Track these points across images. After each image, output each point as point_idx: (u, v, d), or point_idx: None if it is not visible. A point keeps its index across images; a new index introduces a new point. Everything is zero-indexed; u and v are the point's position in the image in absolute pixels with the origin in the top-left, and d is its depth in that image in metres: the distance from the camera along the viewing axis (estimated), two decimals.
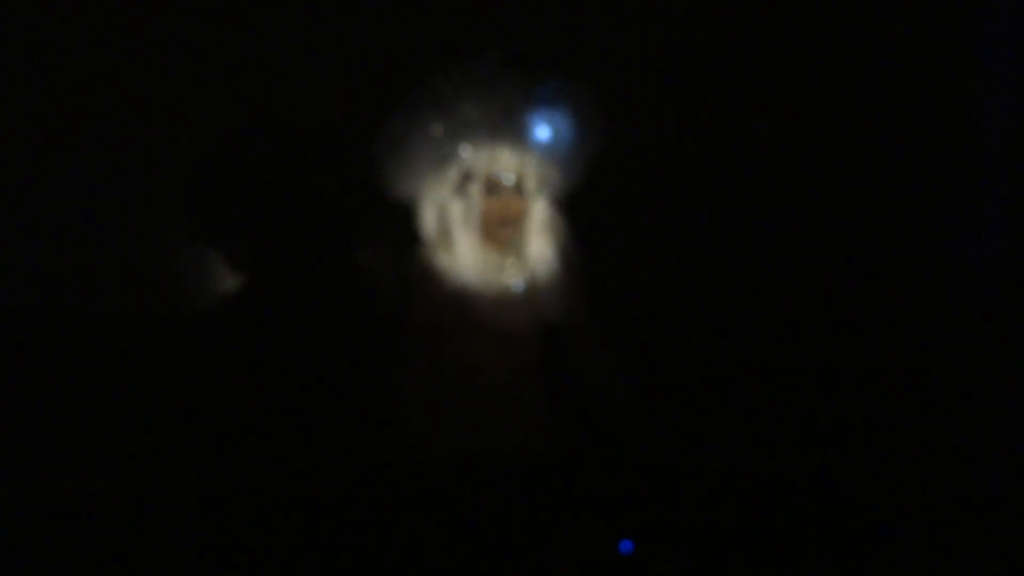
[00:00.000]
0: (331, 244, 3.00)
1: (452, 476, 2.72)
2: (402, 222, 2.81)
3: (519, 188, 2.77)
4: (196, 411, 2.95)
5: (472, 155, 2.72)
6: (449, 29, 3.00)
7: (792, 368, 3.18)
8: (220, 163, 2.97)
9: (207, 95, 2.94)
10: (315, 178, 2.99)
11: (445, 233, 2.77)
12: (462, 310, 2.73)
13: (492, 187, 2.74)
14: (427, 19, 3.02)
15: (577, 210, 2.84)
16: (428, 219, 2.80)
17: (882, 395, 3.13)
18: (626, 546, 2.82)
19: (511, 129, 2.72)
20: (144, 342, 3.01)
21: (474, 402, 2.75)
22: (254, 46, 2.95)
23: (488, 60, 2.70)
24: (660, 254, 3.20)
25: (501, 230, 2.77)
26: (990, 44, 3.16)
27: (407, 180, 2.75)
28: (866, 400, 3.12)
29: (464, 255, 2.74)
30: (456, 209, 2.75)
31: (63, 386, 2.96)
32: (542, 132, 2.73)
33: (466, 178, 2.75)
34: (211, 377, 2.96)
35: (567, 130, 2.75)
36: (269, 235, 2.95)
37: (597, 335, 2.87)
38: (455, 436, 2.73)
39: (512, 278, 2.80)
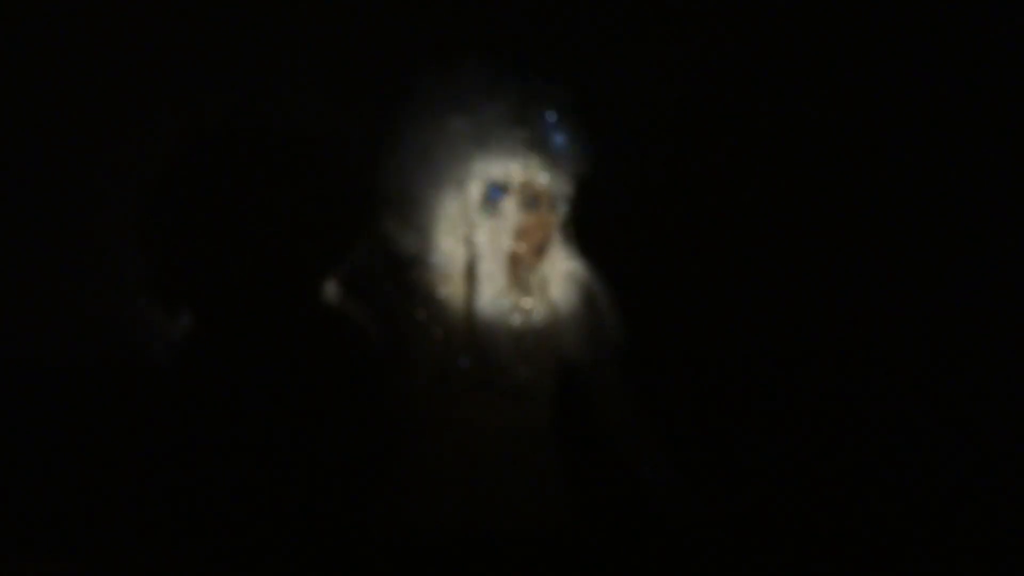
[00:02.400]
0: (318, 277, 2.75)
1: (453, 559, 2.47)
2: (409, 245, 2.56)
3: (551, 203, 2.53)
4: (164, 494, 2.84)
5: (502, 164, 2.49)
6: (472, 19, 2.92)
7: (840, 429, 3.12)
8: (193, 182, 2.87)
9: (178, 106, 2.88)
10: (301, 193, 2.87)
11: (457, 261, 2.52)
12: (473, 354, 2.48)
13: (529, 200, 2.50)
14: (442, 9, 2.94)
15: (603, 234, 2.61)
16: (436, 244, 2.53)
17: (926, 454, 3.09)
18: None
19: (539, 134, 2.50)
20: (106, 388, 2.90)
21: (480, 469, 2.52)
22: (224, 50, 2.91)
23: (519, 54, 2.56)
24: (701, 282, 3.10)
25: (536, 256, 2.53)
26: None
27: (418, 198, 2.51)
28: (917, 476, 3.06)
29: (484, 287, 2.49)
30: (483, 231, 2.50)
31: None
32: (559, 139, 2.51)
33: (496, 192, 2.49)
34: (181, 440, 2.85)
35: (583, 137, 2.54)
36: (247, 264, 2.84)
37: (628, 391, 2.64)
38: (458, 511, 2.49)
39: (528, 315, 2.55)
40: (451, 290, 2.51)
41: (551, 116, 2.49)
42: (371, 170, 2.50)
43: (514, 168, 2.48)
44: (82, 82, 2.89)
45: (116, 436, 2.86)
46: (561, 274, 2.58)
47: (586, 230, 2.61)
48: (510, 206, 2.48)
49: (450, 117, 2.47)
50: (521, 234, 2.49)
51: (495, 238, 2.48)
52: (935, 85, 3.17)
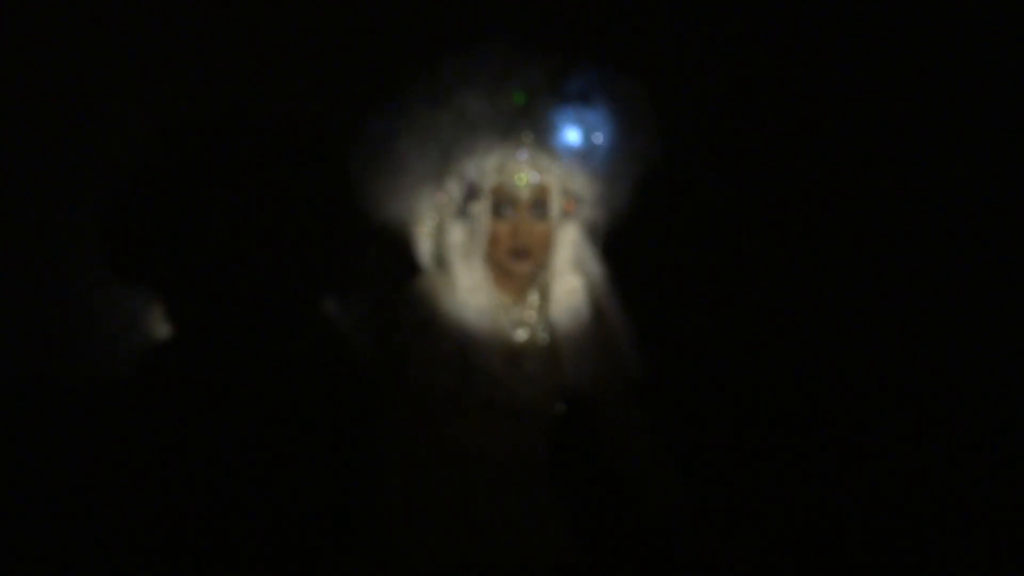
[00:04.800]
0: (295, 285, 2.76)
1: None
2: (385, 254, 2.47)
3: (540, 207, 2.36)
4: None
5: (477, 164, 2.34)
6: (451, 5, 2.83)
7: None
8: (160, 178, 2.83)
9: (156, 105, 2.85)
10: (277, 196, 2.79)
11: (442, 268, 2.39)
12: (462, 374, 2.34)
13: (503, 205, 2.34)
14: None
15: (616, 240, 2.46)
16: (420, 249, 2.41)
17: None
18: None
19: (528, 130, 2.34)
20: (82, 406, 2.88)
21: (474, 496, 2.39)
22: (194, 35, 2.86)
23: (499, 43, 2.35)
24: (723, 294, 3.03)
25: (515, 263, 2.36)
26: None
27: (393, 197, 2.37)
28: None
29: (466, 298, 2.34)
30: (456, 235, 2.36)
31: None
32: (571, 135, 2.34)
33: (470, 193, 2.35)
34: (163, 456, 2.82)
35: (603, 133, 2.36)
36: (217, 271, 2.77)
37: (640, 413, 2.50)
38: (449, 545, 2.38)
39: (528, 331, 2.43)
40: (436, 300, 2.38)
41: (552, 114, 2.35)
42: (349, 168, 2.41)
43: (489, 169, 2.34)
44: (64, 80, 2.89)
45: (94, 447, 2.83)
46: (566, 289, 2.44)
47: (594, 241, 2.48)
48: (482, 210, 2.35)
49: (431, 112, 2.34)
50: (494, 241, 2.35)
51: (470, 244, 2.36)
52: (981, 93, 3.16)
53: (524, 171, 2.35)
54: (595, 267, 2.45)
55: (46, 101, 2.89)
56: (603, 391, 2.47)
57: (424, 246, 2.41)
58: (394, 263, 2.46)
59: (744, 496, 3.02)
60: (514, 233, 2.34)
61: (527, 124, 2.33)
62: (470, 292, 2.35)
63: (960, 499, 3.05)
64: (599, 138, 2.35)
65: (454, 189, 2.37)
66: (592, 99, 2.36)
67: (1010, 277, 3.15)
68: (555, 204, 2.38)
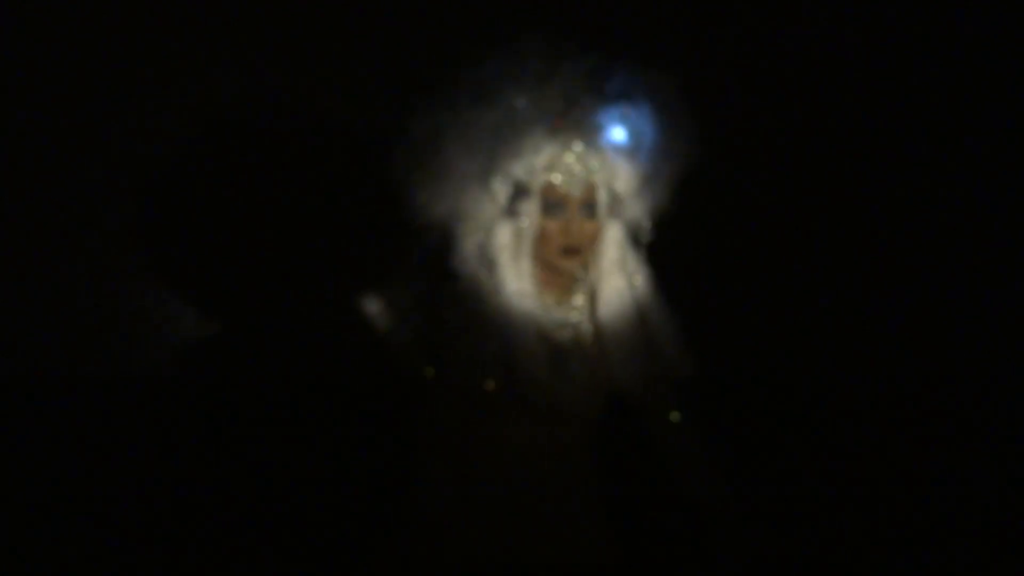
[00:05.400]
0: (339, 283, 2.72)
1: None
2: (429, 253, 2.44)
3: (589, 206, 2.35)
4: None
5: (526, 163, 2.32)
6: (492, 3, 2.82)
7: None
8: (203, 177, 2.81)
9: (190, 90, 2.83)
10: (321, 195, 2.75)
11: (487, 267, 2.37)
12: (505, 374, 2.33)
13: (553, 204, 2.32)
14: None
15: (663, 238, 2.45)
16: (464, 249, 2.40)
17: None
18: None
19: (576, 128, 2.32)
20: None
21: (517, 497, 2.37)
22: (240, 32, 2.84)
23: (540, 42, 2.33)
24: (771, 295, 2.99)
25: (565, 261, 2.35)
26: None
27: (439, 196, 2.36)
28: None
29: (512, 297, 2.34)
30: (504, 234, 2.36)
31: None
32: (616, 133, 2.33)
33: (519, 193, 2.34)
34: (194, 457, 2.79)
35: (647, 131, 2.35)
36: (261, 270, 2.75)
37: (684, 411, 2.48)
38: (492, 544, 2.36)
39: (572, 331, 2.41)
40: (480, 299, 2.37)
41: (602, 114, 2.33)
42: (394, 167, 2.39)
43: (538, 169, 2.33)
44: (86, 81, 2.89)
45: (136, 443, 2.83)
46: (614, 290, 2.43)
47: (641, 240, 2.48)
48: (531, 209, 2.34)
49: (476, 111, 2.33)
50: (543, 239, 2.34)
51: (517, 243, 2.35)
52: None
53: (575, 170, 2.34)
54: (638, 266, 2.44)
55: (83, 101, 2.91)
56: (649, 391, 2.44)
57: (469, 245, 2.39)
58: (438, 262, 2.44)
59: (788, 496, 2.98)
60: (565, 231, 2.34)
61: (574, 123, 2.31)
62: (516, 291, 2.34)
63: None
64: (644, 136, 2.33)
65: (500, 188, 2.36)
66: (635, 97, 2.33)
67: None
68: (603, 202, 2.37)
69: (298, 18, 2.88)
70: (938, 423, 3.13)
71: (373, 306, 2.65)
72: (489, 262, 2.37)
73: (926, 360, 3.15)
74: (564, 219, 2.34)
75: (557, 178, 2.33)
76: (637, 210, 2.42)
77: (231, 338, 2.80)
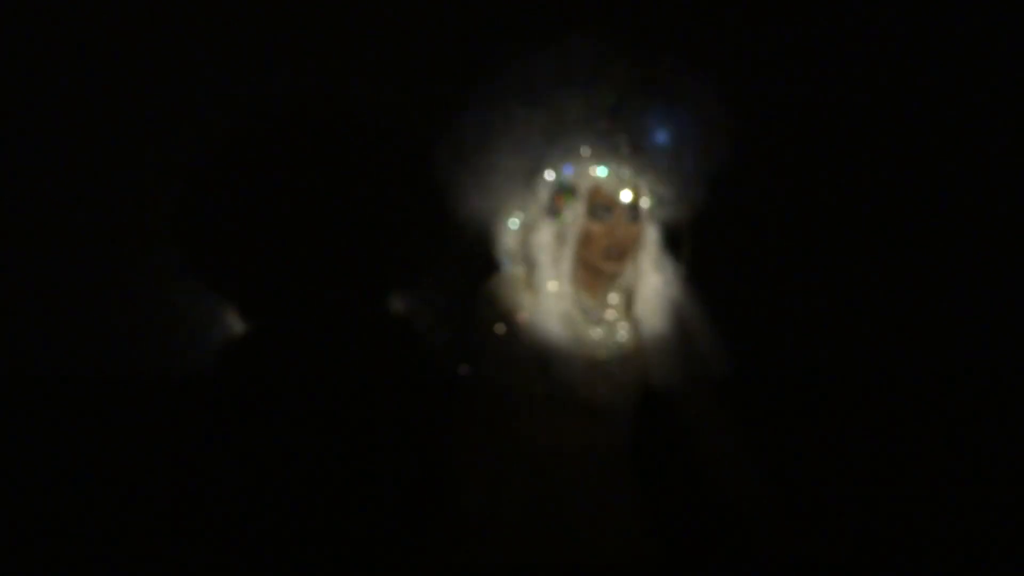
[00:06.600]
0: (376, 282, 2.75)
1: None
2: (468, 251, 2.45)
3: (635, 209, 2.36)
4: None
5: (574, 165, 2.32)
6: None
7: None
8: (243, 176, 2.83)
9: (219, 92, 2.85)
10: (361, 194, 2.75)
11: (526, 267, 2.38)
12: (545, 374, 2.33)
13: (600, 206, 2.33)
14: None
15: (702, 238, 2.45)
16: (503, 248, 2.41)
17: None
18: None
19: (624, 131, 2.32)
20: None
21: (553, 497, 2.39)
22: (288, 30, 2.85)
23: (587, 42, 2.33)
24: (813, 303, 2.98)
25: (609, 264, 2.36)
26: None
27: (481, 195, 2.37)
28: None
29: (550, 297, 2.33)
30: (546, 234, 2.35)
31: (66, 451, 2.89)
32: (661, 135, 2.32)
33: (560, 193, 2.34)
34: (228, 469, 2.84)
35: (689, 133, 2.35)
36: (298, 272, 2.76)
37: (723, 411, 2.47)
38: (528, 543, 2.38)
39: (608, 330, 2.41)
40: (517, 298, 2.37)
41: (645, 116, 2.33)
42: (436, 166, 2.39)
43: (586, 171, 2.32)
44: (126, 82, 2.91)
45: (176, 442, 2.85)
46: (652, 290, 2.42)
47: (683, 241, 2.48)
48: (576, 211, 2.33)
49: (522, 109, 2.32)
50: (587, 241, 2.34)
51: (559, 244, 2.34)
52: None
53: (625, 174, 2.33)
54: (675, 266, 2.44)
55: (122, 101, 2.92)
56: (687, 389, 2.44)
57: (508, 245, 2.40)
58: (476, 261, 2.45)
59: (827, 493, 2.99)
60: (610, 234, 2.33)
61: (622, 125, 2.31)
62: (554, 291, 2.33)
63: None
64: (686, 138, 2.33)
65: (544, 188, 2.35)
66: (678, 100, 2.33)
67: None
68: (646, 205, 2.37)
69: (347, 16, 2.89)
70: (982, 424, 3.10)
71: (409, 305, 2.66)
72: (529, 261, 2.36)
73: (975, 360, 3.15)
74: (610, 222, 2.33)
75: (605, 181, 2.32)
76: (677, 211, 2.41)
77: (268, 339, 2.82)
